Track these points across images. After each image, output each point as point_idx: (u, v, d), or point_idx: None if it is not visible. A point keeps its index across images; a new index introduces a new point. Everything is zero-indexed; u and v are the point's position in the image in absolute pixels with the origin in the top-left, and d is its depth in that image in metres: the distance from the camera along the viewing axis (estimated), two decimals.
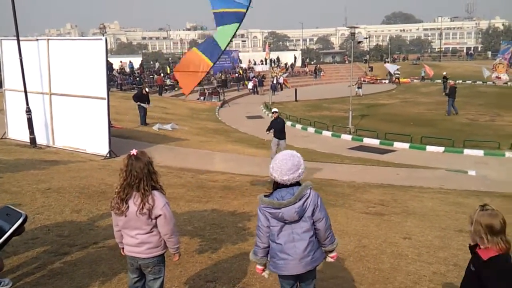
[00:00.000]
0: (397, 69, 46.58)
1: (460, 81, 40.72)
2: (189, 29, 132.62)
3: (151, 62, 52.38)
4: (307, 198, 3.06)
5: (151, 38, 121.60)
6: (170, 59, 61.45)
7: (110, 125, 12.11)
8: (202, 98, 33.00)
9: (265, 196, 3.13)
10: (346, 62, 60.96)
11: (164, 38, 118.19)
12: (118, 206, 3.25)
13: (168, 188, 7.40)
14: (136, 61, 44.89)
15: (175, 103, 28.96)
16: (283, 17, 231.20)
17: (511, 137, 17.12)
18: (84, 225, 5.85)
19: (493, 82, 39.63)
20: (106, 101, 11.52)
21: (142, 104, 17.92)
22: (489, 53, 73.89)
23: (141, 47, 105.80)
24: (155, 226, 3.30)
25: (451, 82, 27.49)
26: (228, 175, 10.49)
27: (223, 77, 41.00)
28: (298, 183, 3.12)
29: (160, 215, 3.25)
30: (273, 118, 11.98)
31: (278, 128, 11.79)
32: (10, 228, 3.71)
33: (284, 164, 3.05)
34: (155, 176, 3.31)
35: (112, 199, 3.34)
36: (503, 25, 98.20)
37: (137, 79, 35.94)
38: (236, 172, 11.02)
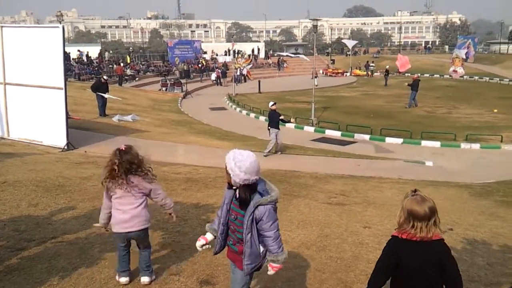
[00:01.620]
0: (372, 63, 49.92)
1: (419, 74, 41.83)
2: (150, 18, 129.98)
3: (110, 51, 51.00)
4: None
5: (110, 26, 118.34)
6: (130, 48, 60.20)
7: (67, 116, 11.74)
8: (164, 89, 32.39)
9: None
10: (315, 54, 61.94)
11: (124, 26, 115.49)
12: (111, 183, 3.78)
13: None
14: (95, 50, 43.68)
15: (136, 93, 28.41)
16: (246, 8, 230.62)
17: (467, 129, 17.83)
18: (42, 220, 5.66)
19: (450, 76, 41.02)
20: (63, 91, 11.13)
21: (101, 94, 17.41)
22: (447, 47, 76.40)
23: (100, 35, 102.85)
24: (145, 201, 3.90)
25: (414, 75, 28.39)
26: (191, 167, 10.39)
27: (185, 67, 40.53)
28: None
29: (151, 189, 3.94)
30: (271, 110, 13.46)
31: (275, 119, 13.22)
32: None
33: (255, 165, 2.87)
34: (143, 165, 3.96)
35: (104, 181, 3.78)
36: (460, 20, 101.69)
37: (96, 68, 35.00)
38: (199, 164, 10.93)
